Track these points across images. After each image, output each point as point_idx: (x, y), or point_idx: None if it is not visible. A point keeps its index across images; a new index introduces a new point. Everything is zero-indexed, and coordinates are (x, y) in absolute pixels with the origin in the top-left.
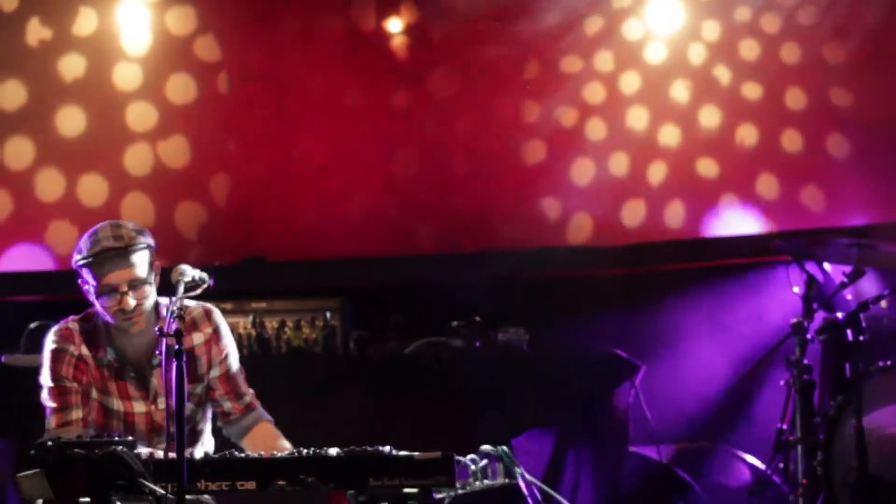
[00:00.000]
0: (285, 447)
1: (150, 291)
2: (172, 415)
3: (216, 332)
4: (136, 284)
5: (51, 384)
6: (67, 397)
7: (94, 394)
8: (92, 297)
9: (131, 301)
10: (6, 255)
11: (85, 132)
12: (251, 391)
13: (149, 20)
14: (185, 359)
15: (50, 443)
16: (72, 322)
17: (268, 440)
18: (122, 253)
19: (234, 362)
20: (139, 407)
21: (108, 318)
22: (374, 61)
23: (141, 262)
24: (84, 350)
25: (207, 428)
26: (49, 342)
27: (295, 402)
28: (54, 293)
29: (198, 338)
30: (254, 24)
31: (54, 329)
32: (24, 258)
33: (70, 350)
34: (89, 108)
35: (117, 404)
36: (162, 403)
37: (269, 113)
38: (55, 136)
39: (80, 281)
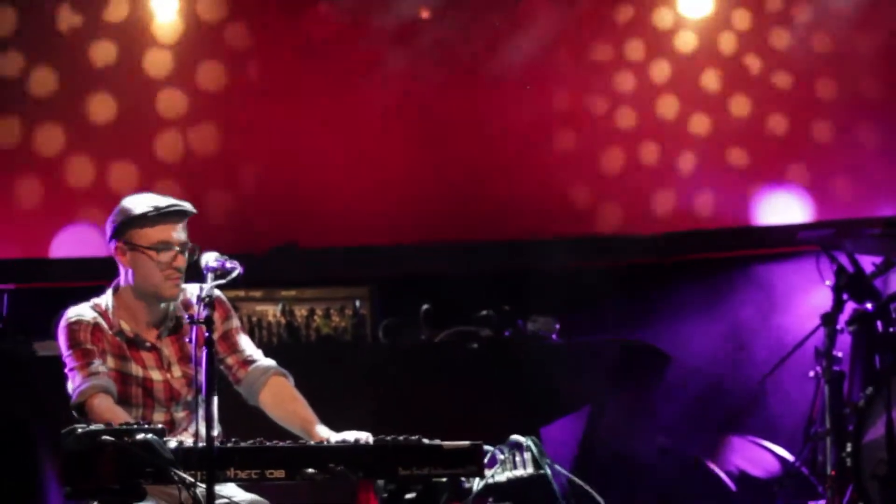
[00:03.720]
0: (304, 412)
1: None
2: (191, 382)
3: (218, 300)
4: (186, 248)
5: (71, 351)
6: (90, 357)
7: (112, 362)
8: (136, 256)
9: (184, 260)
10: (35, 242)
11: (115, 119)
12: (256, 350)
13: (179, 6)
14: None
15: (80, 429)
16: (81, 305)
17: (286, 402)
18: (184, 215)
19: (234, 324)
20: (156, 375)
21: (154, 277)
22: (405, 47)
23: (186, 230)
24: (100, 320)
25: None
26: (63, 321)
27: (324, 391)
28: (84, 280)
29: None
30: (284, 11)
31: (65, 313)
32: (55, 245)
33: (86, 320)
34: (120, 94)
35: (136, 370)
36: (177, 371)
37: (300, 100)
38: (86, 122)
39: (122, 240)
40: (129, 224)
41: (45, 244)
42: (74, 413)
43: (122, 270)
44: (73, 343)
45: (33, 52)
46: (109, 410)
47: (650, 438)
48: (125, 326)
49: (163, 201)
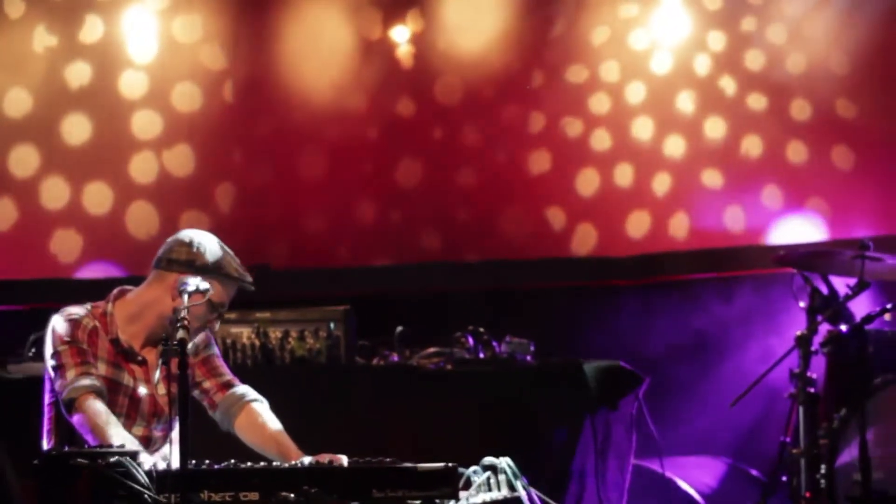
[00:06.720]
0: (280, 438)
1: None
2: (175, 400)
3: None
4: (221, 316)
5: (65, 347)
6: (85, 356)
7: (104, 368)
8: (191, 294)
9: (217, 326)
10: (10, 263)
11: (90, 140)
12: (234, 376)
13: (155, 28)
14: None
15: (54, 452)
16: (77, 307)
17: (262, 428)
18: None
19: (212, 350)
20: (143, 389)
21: (190, 320)
22: (380, 70)
23: None
24: (97, 324)
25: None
26: (60, 316)
27: (298, 413)
28: (59, 301)
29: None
30: (259, 33)
31: (64, 309)
32: (29, 267)
33: (85, 321)
34: (95, 115)
35: (127, 379)
36: (161, 389)
37: (275, 121)
38: (60, 143)
39: (196, 276)
40: (208, 271)
41: (19, 266)
42: (63, 408)
43: (149, 293)
44: (70, 339)
45: (8, 73)
46: (101, 414)
47: (625, 459)
48: (121, 336)
49: (245, 273)
